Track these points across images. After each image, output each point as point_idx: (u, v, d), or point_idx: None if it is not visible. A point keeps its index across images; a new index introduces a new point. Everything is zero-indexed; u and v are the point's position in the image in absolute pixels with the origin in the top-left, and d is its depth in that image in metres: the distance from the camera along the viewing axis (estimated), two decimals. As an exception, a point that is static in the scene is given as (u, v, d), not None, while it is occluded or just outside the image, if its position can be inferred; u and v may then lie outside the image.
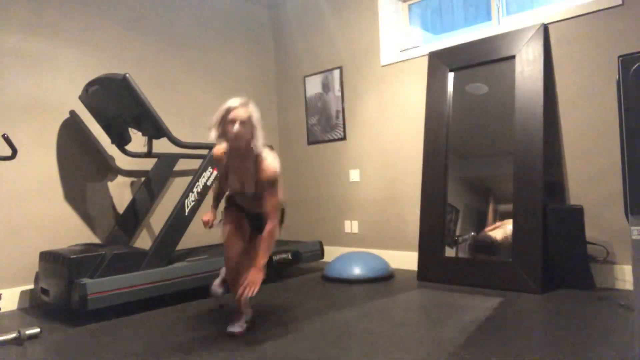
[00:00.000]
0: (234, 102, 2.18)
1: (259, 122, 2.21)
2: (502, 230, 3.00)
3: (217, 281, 2.48)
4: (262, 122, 2.26)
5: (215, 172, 3.14)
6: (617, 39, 2.76)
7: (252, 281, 2.11)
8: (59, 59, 3.30)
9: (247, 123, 2.15)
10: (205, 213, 2.42)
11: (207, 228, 2.37)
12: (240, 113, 2.14)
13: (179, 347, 2.11)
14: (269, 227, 2.19)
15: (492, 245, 3.02)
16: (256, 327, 2.33)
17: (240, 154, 2.23)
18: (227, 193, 2.49)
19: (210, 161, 3.12)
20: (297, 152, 4.57)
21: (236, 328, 2.26)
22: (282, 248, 3.46)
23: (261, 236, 2.22)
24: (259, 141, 2.20)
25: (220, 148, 2.30)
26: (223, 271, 2.49)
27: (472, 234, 3.12)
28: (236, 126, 2.13)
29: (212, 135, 2.24)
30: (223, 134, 2.21)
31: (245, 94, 4.72)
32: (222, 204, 2.50)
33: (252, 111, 2.18)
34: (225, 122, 2.17)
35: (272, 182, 2.21)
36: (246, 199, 2.35)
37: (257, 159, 2.22)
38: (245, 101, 2.19)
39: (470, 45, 3.31)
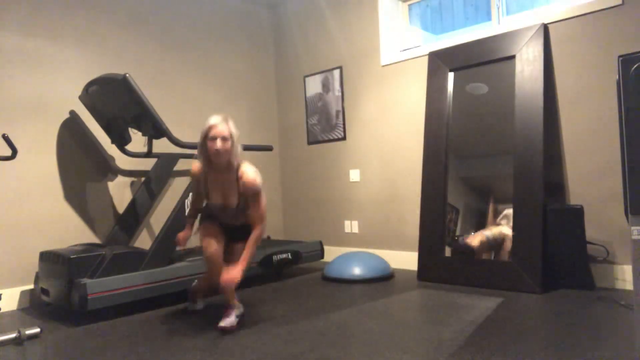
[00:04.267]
0: (214, 119, 2.28)
1: (238, 138, 2.32)
2: (479, 237, 3.03)
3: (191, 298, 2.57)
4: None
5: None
6: (617, 39, 2.76)
7: (231, 277, 2.26)
8: (59, 59, 3.30)
9: (227, 139, 2.25)
10: (182, 232, 2.48)
11: (180, 247, 2.45)
12: (221, 129, 2.25)
13: (179, 347, 2.11)
14: (255, 234, 2.34)
15: (468, 251, 3.06)
16: (256, 327, 2.33)
17: (221, 169, 2.34)
18: (203, 205, 2.58)
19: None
20: (297, 152, 4.57)
21: (227, 323, 2.29)
22: (282, 248, 3.46)
23: (245, 243, 2.37)
24: (238, 156, 2.32)
25: (197, 165, 2.39)
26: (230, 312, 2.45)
27: (457, 237, 3.15)
28: (218, 142, 2.23)
29: (197, 154, 2.36)
30: (204, 152, 2.31)
31: (245, 94, 4.73)
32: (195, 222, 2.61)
33: (232, 127, 2.29)
34: (206, 139, 2.27)
35: (255, 194, 2.34)
36: (227, 213, 2.44)
37: (237, 173, 2.33)
38: (225, 117, 2.30)
39: (470, 45, 3.31)
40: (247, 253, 2.32)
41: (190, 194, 2.53)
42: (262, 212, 2.37)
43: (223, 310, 2.41)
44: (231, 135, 2.27)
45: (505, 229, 2.93)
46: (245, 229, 2.45)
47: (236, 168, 2.33)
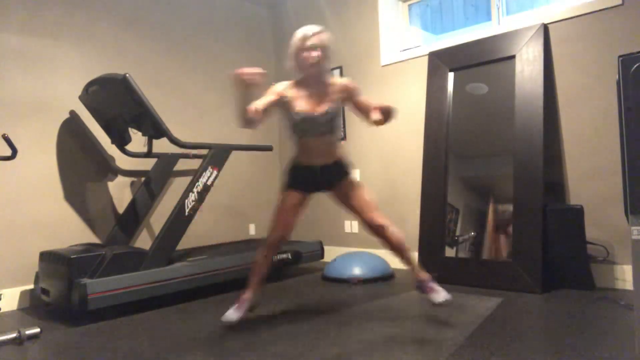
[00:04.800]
0: (310, 29, 2.19)
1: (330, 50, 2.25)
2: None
3: (234, 308, 2.35)
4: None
5: (215, 172, 3.14)
6: (617, 39, 2.76)
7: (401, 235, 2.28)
8: (59, 59, 3.30)
9: (325, 49, 2.20)
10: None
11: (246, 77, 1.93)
12: (321, 38, 2.18)
13: (178, 347, 2.11)
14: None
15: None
16: (256, 327, 2.33)
17: (314, 84, 2.26)
18: (290, 164, 2.40)
19: (211, 161, 3.12)
20: (297, 152, 4.56)
21: (233, 316, 2.31)
22: (282, 248, 3.46)
23: (346, 185, 2.33)
24: (329, 69, 2.29)
25: (284, 83, 2.32)
26: (244, 298, 2.39)
27: (472, 233, 3.12)
28: (318, 51, 2.17)
29: (289, 66, 2.27)
30: (298, 64, 2.23)
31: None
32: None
33: (327, 36, 2.22)
34: (302, 49, 2.19)
35: (356, 89, 2.30)
36: (319, 133, 2.25)
37: (329, 83, 2.28)
38: (321, 28, 2.22)
39: (470, 45, 3.31)
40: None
41: (258, 99, 2.18)
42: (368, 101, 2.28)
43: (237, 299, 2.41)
44: (327, 46, 2.21)
45: None
46: (340, 169, 2.35)
47: (327, 80, 2.28)
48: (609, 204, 2.79)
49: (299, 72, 2.27)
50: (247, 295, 2.40)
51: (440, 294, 2.31)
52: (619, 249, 2.76)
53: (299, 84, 2.29)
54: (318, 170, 2.32)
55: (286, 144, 4.67)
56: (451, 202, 3.25)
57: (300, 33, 2.20)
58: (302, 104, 2.25)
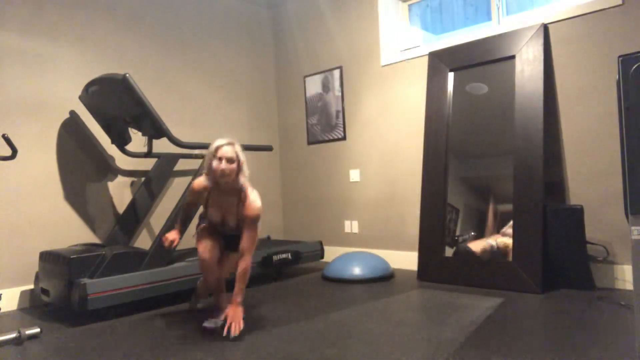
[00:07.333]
0: (220, 141, 2.30)
1: (244, 161, 2.32)
2: (483, 244, 3.02)
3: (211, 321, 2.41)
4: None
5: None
6: (617, 39, 2.77)
7: (234, 318, 2.21)
8: (59, 59, 3.30)
9: (233, 161, 2.26)
10: (170, 232, 2.43)
11: (167, 246, 2.38)
12: (226, 151, 2.26)
13: (178, 347, 2.11)
14: (243, 265, 2.27)
15: (469, 254, 3.04)
16: (256, 327, 2.33)
17: (225, 190, 2.34)
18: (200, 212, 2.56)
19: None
20: (297, 152, 4.57)
21: (211, 324, 2.34)
22: (282, 248, 3.46)
23: (236, 273, 2.29)
24: (244, 179, 2.32)
25: (202, 181, 2.39)
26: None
27: (457, 237, 3.14)
28: (223, 163, 2.24)
29: (203, 174, 2.37)
30: (210, 172, 2.32)
31: (245, 94, 4.72)
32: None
33: (238, 150, 2.30)
34: (212, 159, 2.28)
35: (254, 220, 2.31)
36: (224, 228, 2.45)
37: (241, 196, 2.33)
38: (231, 140, 2.32)
39: (470, 45, 3.31)
40: (238, 288, 2.26)
41: (185, 202, 2.51)
42: (255, 241, 2.32)
43: (209, 311, 2.47)
44: (237, 159, 2.27)
45: (510, 241, 2.90)
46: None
47: (240, 191, 2.33)
48: (609, 204, 2.79)
49: (212, 178, 2.33)
50: (221, 310, 2.47)
51: (212, 321, 2.37)
52: (619, 249, 2.76)
53: (215, 185, 2.35)
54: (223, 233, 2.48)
55: (286, 144, 4.68)
56: (451, 202, 3.25)
57: (214, 143, 2.30)
58: (214, 212, 2.38)
